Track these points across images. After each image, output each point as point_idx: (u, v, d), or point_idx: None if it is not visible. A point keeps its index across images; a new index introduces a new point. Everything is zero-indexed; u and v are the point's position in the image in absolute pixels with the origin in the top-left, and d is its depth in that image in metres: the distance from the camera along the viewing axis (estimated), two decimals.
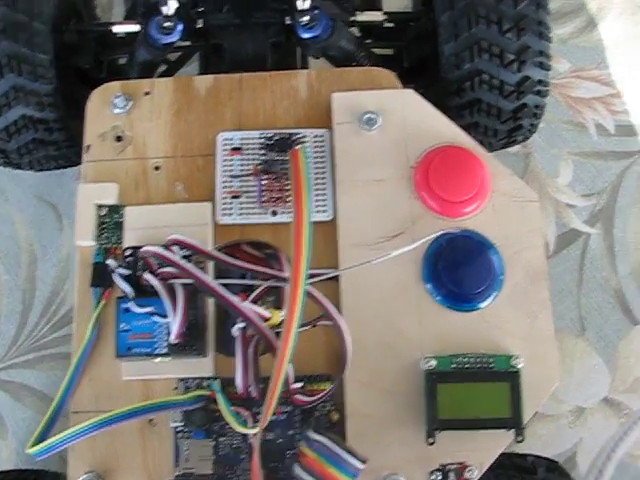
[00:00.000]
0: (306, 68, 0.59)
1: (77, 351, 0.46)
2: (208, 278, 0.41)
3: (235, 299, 0.41)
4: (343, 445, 0.40)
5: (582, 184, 0.67)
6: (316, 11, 0.50)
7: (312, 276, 0.46)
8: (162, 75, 0.62)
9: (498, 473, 0.49)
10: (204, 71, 0.59)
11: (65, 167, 0.63)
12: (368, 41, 0.60)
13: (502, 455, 0.52)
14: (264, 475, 0.43)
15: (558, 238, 0.66)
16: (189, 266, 0.41)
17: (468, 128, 0.55)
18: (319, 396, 0.43)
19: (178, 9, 0.49)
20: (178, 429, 0.45)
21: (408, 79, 0.59)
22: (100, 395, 0.46)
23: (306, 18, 0.49)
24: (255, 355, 0.43)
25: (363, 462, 0.41)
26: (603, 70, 0.71)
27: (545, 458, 0.51)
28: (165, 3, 0.48)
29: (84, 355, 0.46)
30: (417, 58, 0.59)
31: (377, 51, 0.61)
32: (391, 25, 0.59)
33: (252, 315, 0.40)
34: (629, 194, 0.67)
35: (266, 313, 0.43)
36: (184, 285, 0.43)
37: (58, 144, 0.58)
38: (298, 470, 0.40)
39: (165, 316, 0.43)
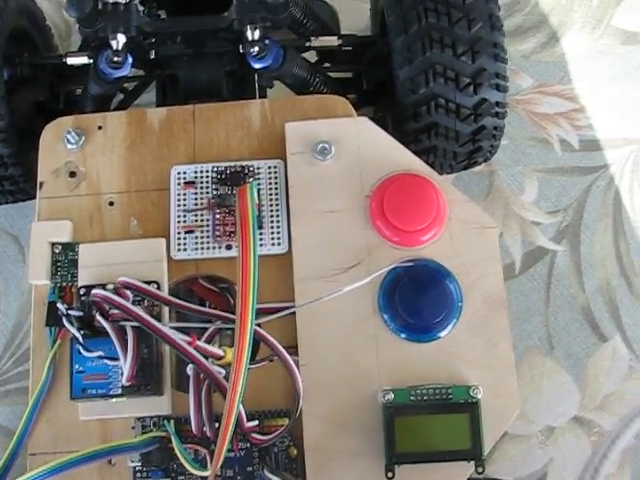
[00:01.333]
0: (264, 94, 0.58)
1: (34, 392, 0.46)
2: (155, 322, 0.41)
3: (183, 341, 0.41)
4: None
5: (547, 201, 0.67)
6: (267, 41, 0.49)
7: (266, 311, 0.46)
8: (120, 104, 0.61)
9: None
10: (161, 100, 0.58)
11: (24, 200, 0.63)
12: (326, 65, 0.60)
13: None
14: None
15: (524, 256, 0.65)
16: (136, 310, 0.41)
17: (427, 152, 0.55)
18: (273, 435, 0.43)
19: (127, 43, 0.49)
20: (137, 469, 0.45)
21: (369, 102, 0.59)
22: (58, 436, 0.46)
23: (256, 49, 0.49)
24: (209, 394, 0.43)
25: None
26: (566, 85, 0.71)
27: None
28: (114, 37, 0.48)
29: (41, 396, 0.46)
30: (376, 81, 0.59)
31: (337, 74, 0.61)
32: (349, 49, 0.59)
33: (199, 358, 0.40)
34: (595, 209, 0.67)
35: (219, 352, 0.42)
36: (136, 330, 0.42)
37: (14, 179, 0.57)
38: None
39: (116, 359, 0.42)
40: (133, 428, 0.45)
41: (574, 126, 0.68)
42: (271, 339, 0.42)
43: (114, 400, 0.45)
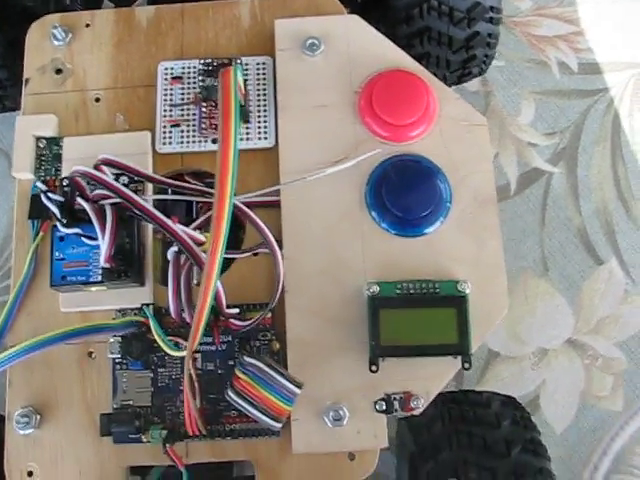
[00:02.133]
0: None
1: (15, 284, 0.45)
2: (135, 195, 0.40)
3: (165, 218, 0.40)
4: (279, 369, 0.39)
5: (544, 123, 0.66)
6: None
7: (251, 204, 0.45)
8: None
9: (450, 407, 0.48)
10: (151, 2, 0.57)
11: (13, 109, 0.62)
12: None
13: (457, 392, 0.51)
14: (204, 406, 0.43)
15: (520, 177, 0.64)
16: (116, 184, 0.40)
17: (420, 59, 0.53)
18: (252, 320, 0.42)
19: None
20: (116, 360, 0.44)
21: (362, 14, 0.58)
22: (38, 329, 0.45)
23: None
24: (188, 279, 0.42)
25: (299, 387, 0.39)
26: (566, 7, 0.69)
27: (501, 394, 0.49)
28: None
29: (22, 289, 0.45)
30: None
31: None
32: None
33: (179, 232, 0.39)
34: (593, 132, 0.65)
35: (200, 237, 0.41)
36: (115, 209, 0.42)
37: (1, 82, 0.56)
38: (231, 394, 0.39)
39: (94, 238, 0.42)
40: (114, 319, 0.44)
41: (573, 49, 0.67)
42: (253, 216, 0.42)
43: (94, 289, 0.44)
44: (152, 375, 0.44)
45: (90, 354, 0.45)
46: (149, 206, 0.40)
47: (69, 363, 0.45)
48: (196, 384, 0.42)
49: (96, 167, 0.41)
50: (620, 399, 0.59)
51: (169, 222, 0.39)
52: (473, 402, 0.49)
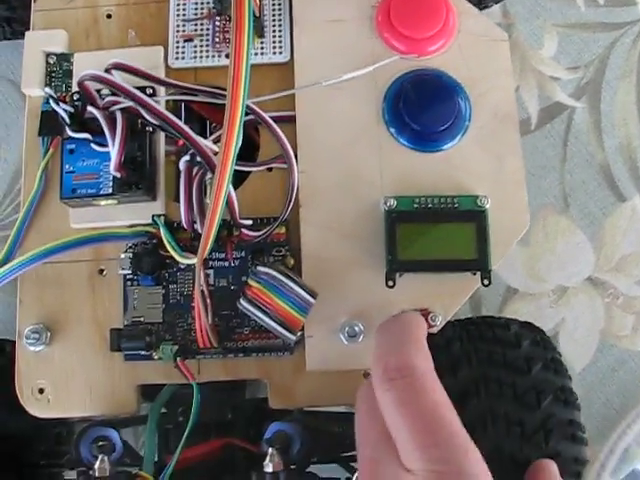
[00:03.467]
0: None
1: (25, 202, 0.45)
2: (149, 99, 0.39)
3: (178, 121, 0.39)
4: (293, 276, 0.38)
5: (567, 56, 0.64)
6: None
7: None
8: None
9: (469, 329, 0.46)
10: None
11: (23, 35, 0.60)
12: None
13: (475, 317, 0.50)
14: (216, 322, 0.42)
15: (541, 111, 0.62)
16: (128, 86, 0.39)
17: None
18: (265, 230, 0.41)
19: None
20: (127, 277, 0.43)
21: None
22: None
23: None
24: (200, 191, 0.41)
25: (314, 296, 0.38)
26: None
27: (529, 326, 0.48)
28: None
29: (32, 205, 0.45)
30: None
31: None
32: None
33: (195, 136, 0.38)
34: (617, 67, 0.64)
35: (214, 147, 0.40)
36: (126, 116, 0.41)
37: (9, 3, 0.55)
38: (244, 303, 0.38)
39: (104, 145, 0.41)
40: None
41: None
42: (268, 119, 0.41)
43: (104, 203, 0.43)
44: (163, 291, 0.43)
45: (101, 271, 0.44)
46: (162, 109, 0.39)
47: (80, 280, 0.44)
48: (208, 300, 0.41)
49: (107, 71, 0.41)
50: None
51: (182, 124, 0.38)
52: (492, 324, 0.47)
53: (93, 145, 0.41)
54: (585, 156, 0.61)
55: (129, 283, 0.43)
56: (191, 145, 0.38)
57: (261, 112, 0.41)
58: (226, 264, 0.43)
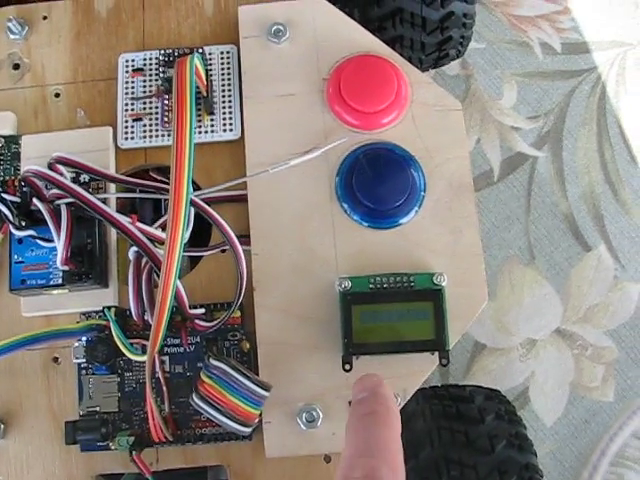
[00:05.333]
0: None
1: None
2: (90, 195, 0.38)
3: (120, 217, 0.38)
4: (244, 371, 0.38)
5: (527, 106, 0.64)
6: None
7: (217, 199, 0.43)
8: None
9: (432, 403, 0.46)
10: None
11: None
12: None
13: (440, 387, 0.49)
14: (172, 410, 0.41)
15: (503, 163, 0.62)
16: (70, 184, 0.38)
17: (393, 42, 0.52)
18: (217, 321, 0.40)
19: None
20: (82, 365, 0.42)
21: None
22: (0, 335, 0.43)
23: None
24: (149, 280, 0.40)
25: (267, 390, 0.38)
26: None
27: (485, 388, 0.48)
28: None
29: None
30: None
31: None
32: None
33: (137, 233, 0.37)
34: (578, 114, 0.63)
35: (162, 235, 0.40)
36: (71, 209, 0.40)
37: None
38: (196, 399, 0.37)
39: (50, 240, 0.40)
40: (78, 322, 0.43)
41: (556, 29, 0.65)
42: (211, 211, 0.40)
43: (56, 292, 0.43)
44: (118, 379, 0.42)
45: (55, 359, 0.43)
46: (103, 205, 0.38)
47: (34, 370, 0.43)
48: (164, 388, 0.40)
49: (51, 165, 0.40)
50: (611, 389, 0.57)
51: (124, 221, 0.38)
52: (456, 397, 0.47)
53: (39, 241, 0.40)
54: (549, 206, 0.61)
55: (84, 372, 0.43)
56: (134, 242, 0.38)
57: (201, 203, 0.40)
58: (181, 350, 0.42)
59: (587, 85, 0.65)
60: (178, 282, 0.38)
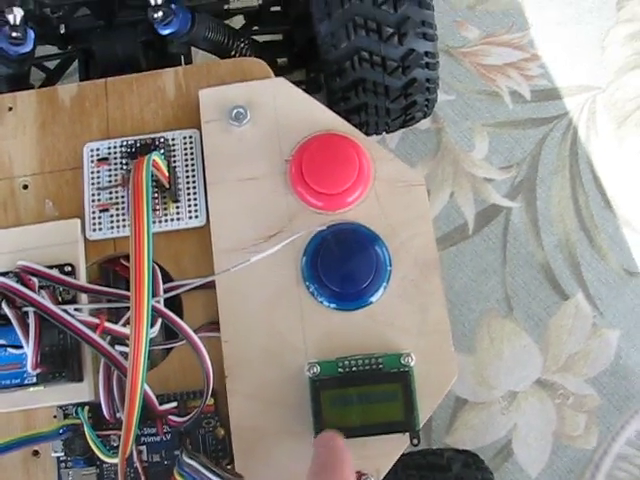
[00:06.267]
0: (190, 62, 0.56)
1: None
2: (52, 305, 0.39)
3: (82, 325, 0.39)
4: (215, 469, 0.38)
5: (499, 156, 0.64)
6: (172, 5, 0.46)
7: (176, 288, 0.44)
8: (44, 83, 0.59)
9: (409, 474, 0.47)
10: (84, 76, 0.56)
11: None
12: (255, 29, 0.57)
13: (417, 453, 0.50)
14: None
15: (477, 215, 0.62)
16: (31, 294, 0.39)
17: (358, 110, 0.52)
18: (189, 417, 0.41)
19: (25, 16, 0.46)
20: (60, 459, 0.43)
21: (300, 64, 0.57)
22: None
23: (160, 14, 0.46)
24: (120, 381, 0.41)
25: None
26: (514, 34, 0.67)
27: (463, 451, 0.48)
28: (10, 12, 0.45)
29: None
30: (304, 40, 0.55)
31: (268, 38, 0.58)
32: (277, 9, 0.56)
33: (99, 341, 0.38)
34: (550, 162, 0.64)
35: (127, 332, 0.40)
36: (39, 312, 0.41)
37: None
38: None
39: (19, 347, 0.40)
40: (55, 417, 0.44)
41: (525, 76, 0.65)
42: (172, 316, 0.40)
43: (32, 389, 0.43)
44: (97, 471, 0.43)
45: (35, 453, 0.44)
46: (67, 317, 0.39)
47: (13, 464, 0.44)
48: (142, 477, 0.41)
49: (18, 275, 0.40)
50: (594, 437, 0.58)
51: (89, 332, 0.38)
52: (433, 466, 0.47)
53: (9, 349, 0.41)
54: (525, 256, 0.61)
55: (63, 465, 0.43)
56: (101, 354, 0.38)
57: (161, 308, 0.40)
58: (158, 439, 0.43)
59: (558, 132, 0.65)
60: (145, 386, 0.38)
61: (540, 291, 0.61)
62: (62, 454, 0.43)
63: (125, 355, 0.39)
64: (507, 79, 0.66)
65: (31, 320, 0.40)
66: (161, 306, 0.40)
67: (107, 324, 0.40)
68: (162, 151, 0.45)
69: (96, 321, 0.40)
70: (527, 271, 0.62)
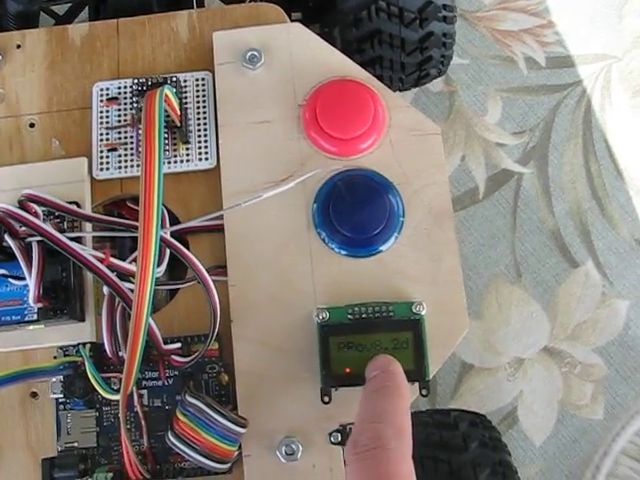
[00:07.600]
0: (202, 6, 0.55)
1: None
2: (59, 234, 0.38)
3: (90, 256, 0.38)
4: (220, 409, 0.37)
5: (512, 121, 0.63)
6: None
7: (193, 229, 0.43)
8: None
9: (417, 431, 0.45)
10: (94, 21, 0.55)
11: None
12: None
13: (424, 412, 0.49)
14: (151, 444, 0.41)
15: (488, 180, 0.62)
16: (38, 222, 0.38)
17: (373, 63, 0.51)
18: (193, 357, 0.40)
19: None
20: (59, 401, 0.42)
21: (315, 18, 0.56)
22: None
23: None
24: (123, 316, 0.40)
25: (244, 426, 0.37)
26: (531, 0, 0.66)
27: (470, 412, 0.47)
28: None
29: None
30: None
31: None
32: None
33: (106, 272, 0.37)
34: (563, 129, 0.63)
35: (132, 268, 0.39)
36: (43, 245, 0.40)
37: None
38: (172, 438, 0.37)
39: (22, 278, 0.39)
40: (55, 358, 0.43)
41: (540, 43, 0.64)
42: (181, 247, 0.39)
43: (32, 328, 0.42)
44: (97, 414, 0.42)
45: (34, 394, 0.43)
46: (73, 244, 0.38)
47: (11, 405, 0.43)
48: (143, 422, 0.40)
49: (22, 203, 0.39)
50: (600, 407, 0.57)
51: (95, 261, 0.37)
52: (439, 424, 0.46)
53: (12, 281, 0.40)
54: (535, 223, 0.60)
55: (61, 407, 0.42)
56: (105, 283, 0.37)
57: (171, 240, 0.39)
58: (160, 383, 0.42)
59: (572, 99, 0.65)
60: (150, 319, 0.37)
61: (549, 258, 0.60)
62: (61, 395, 0.41)
63: (131, 291, 0.39)
64: (522, 45, 0.65)
65: (34, 251, 0.39)
66: (169, 237, 0.39)
67: (112, 259, 0.39)
68: (174, 90, 0.44)
69: (101, 255, 0.39)
70: (537, 237, 0.61)
